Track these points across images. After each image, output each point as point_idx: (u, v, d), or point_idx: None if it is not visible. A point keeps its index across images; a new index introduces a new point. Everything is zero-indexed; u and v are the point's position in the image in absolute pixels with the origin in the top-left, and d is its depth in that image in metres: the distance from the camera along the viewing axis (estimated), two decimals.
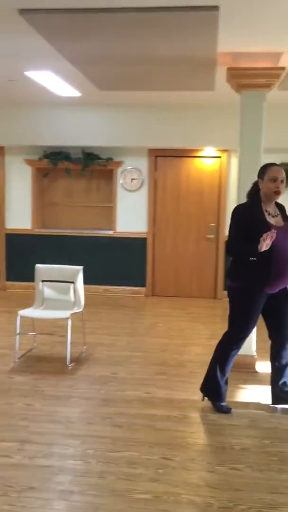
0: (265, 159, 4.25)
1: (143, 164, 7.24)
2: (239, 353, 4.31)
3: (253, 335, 4.32)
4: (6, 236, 7.53)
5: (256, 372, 4.30)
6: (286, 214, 3.53)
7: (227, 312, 3.54)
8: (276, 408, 3.59)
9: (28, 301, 5.18)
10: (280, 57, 4.01)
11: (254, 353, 4.32)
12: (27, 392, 3.82)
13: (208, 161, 7.17)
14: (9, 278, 7.59)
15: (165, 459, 2.90)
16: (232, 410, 3.54)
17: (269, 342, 3.60)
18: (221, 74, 4.49)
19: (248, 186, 4.24)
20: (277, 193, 3.35)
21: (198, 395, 3.72)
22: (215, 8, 3.06)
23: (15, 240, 7.50)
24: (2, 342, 4.95)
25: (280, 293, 3.45)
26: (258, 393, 3.84)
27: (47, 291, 4.68)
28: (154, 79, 4.95)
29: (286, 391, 3.57)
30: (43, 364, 4.46)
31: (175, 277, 7.39)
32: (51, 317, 4.64)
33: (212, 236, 7.24)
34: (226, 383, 3.57)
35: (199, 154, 7.12)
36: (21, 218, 7.49)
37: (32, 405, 3.59)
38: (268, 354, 3.61)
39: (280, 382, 3.57)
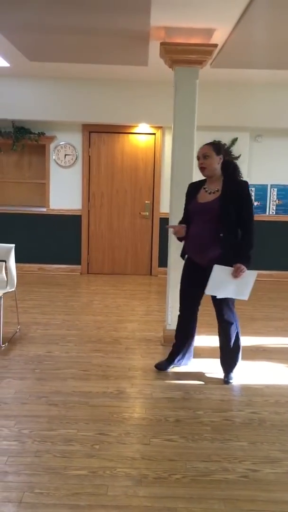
0: (199, 137, 4.30)
1: (76, 139, 7.10)
2: (170, 328, 4.44)
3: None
4: None
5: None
6: (235, 191, 3.39)
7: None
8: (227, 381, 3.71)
9: None
10: (212, 33, 4.02)
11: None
12: None
13: (142, 138, 7.14)
14: None
15: (101, 435, 2.93)
16: (163, 368, 3.83)
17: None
18: (155, 50, 4.45)
19: (181, 163, 4.29)
20: (202, 169, 3.51)
21: (133, 370, 3.75)
22: None
23: None
24: None
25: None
26: (193, 366, 3.94)
27: None
28: (87, 52, 4.81)
29: (223, 365, 3.75)
30: None
31: (110, 255, 7.38)
32: None
33: (147, 213, 7.26)
34: (178, 350, 3.83)
35: (133, 130, 7.07)
36: None
37: None
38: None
39: (221, 355, 3.73)
